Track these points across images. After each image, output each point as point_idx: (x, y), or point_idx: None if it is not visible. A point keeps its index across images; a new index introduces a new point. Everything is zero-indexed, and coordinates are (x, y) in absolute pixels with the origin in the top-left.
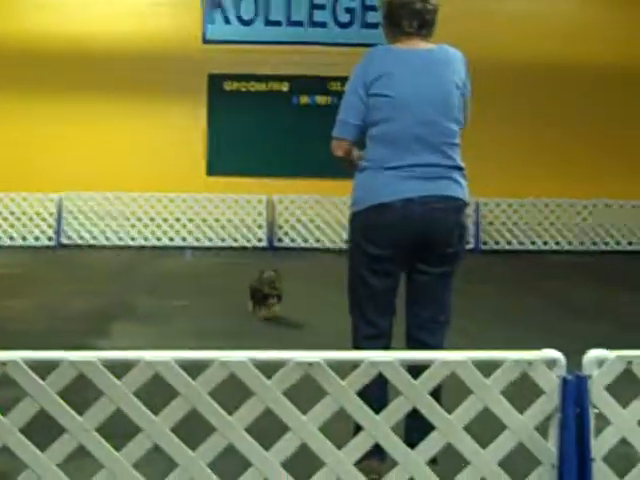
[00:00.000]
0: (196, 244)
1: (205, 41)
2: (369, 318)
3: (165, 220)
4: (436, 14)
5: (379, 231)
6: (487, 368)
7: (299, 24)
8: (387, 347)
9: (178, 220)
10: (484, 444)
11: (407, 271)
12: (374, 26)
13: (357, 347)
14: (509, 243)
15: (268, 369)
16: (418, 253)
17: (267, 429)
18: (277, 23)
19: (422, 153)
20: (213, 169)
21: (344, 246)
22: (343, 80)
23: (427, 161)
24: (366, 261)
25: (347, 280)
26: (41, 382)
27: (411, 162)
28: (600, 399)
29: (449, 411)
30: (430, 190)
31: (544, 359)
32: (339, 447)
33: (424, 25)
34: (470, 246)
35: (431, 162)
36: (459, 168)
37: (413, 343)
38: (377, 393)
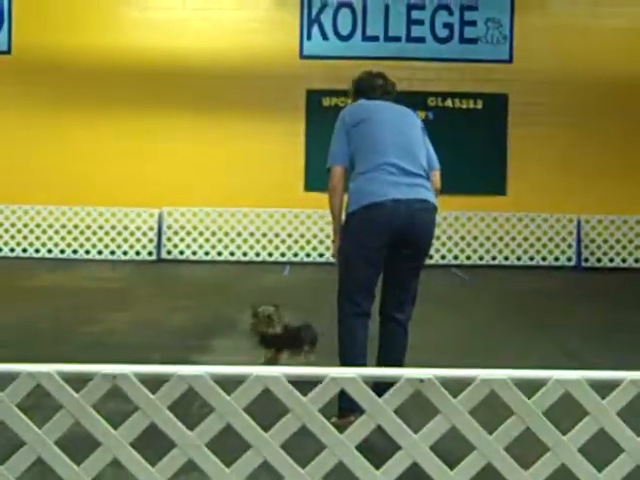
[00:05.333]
0: (294, 259)
1: (302, 56)
2: (356, 301)
3: (264, 235)
4: (395, 89)
5: (372, 223)
6: (600, 388)
7: (397, 39)
8: (367, 323)
9: (277, 235)
10: (599, 467)
11: (386, 264)
12: (472, 41)
13: (343, 324)
14: (611, 260)
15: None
16: (400, 245)
17: (379, 445)
18: (375, 38)
19: (404, 156)
20: (311, 185)
21: (444, 262)
22: (442, 95)
23: (407, 168)
24: (361, 252)
25: (339, 272)
26: (151, 395)
27: (396, 162)
28: None
29: (564, 432)
30: (412, 194)
31: None
32: (451, 467)
33: (384, 95)
34: (572, 263)
35: (410, 170)
36: (427, 177)
37: (386, 317)
38: None
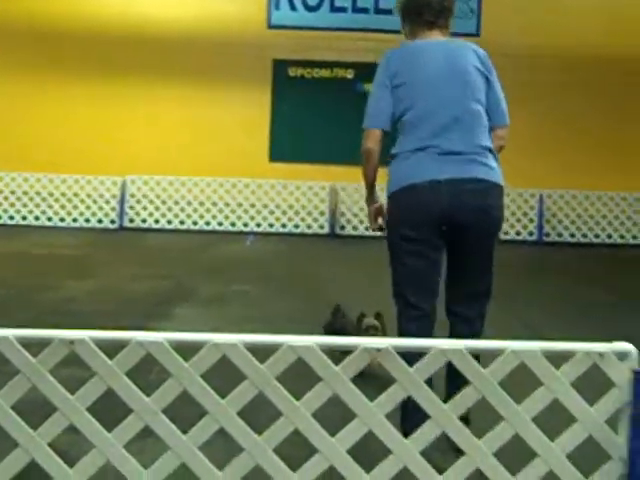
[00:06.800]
0: (257, 230)
1: (270, 26)
2: (410, 301)
3: (227, 205)
4: (453, 3)
5: (409, 211)
6: (555, 359)
7: (365, 11)
8: (431, 328)
9: (240, 205)
10: (552, 436)
11: (446, 253)
12: None
13: (401, 329)
14: (572, 235)
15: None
16: (450, 234)
17: (331, 416)
18: (343, 9)
19: (448, 134)
20: (276, 155)
21: None
22: None
23: (455, 142)
24: (401, 242)
25: (389, 264)
26: (109, 361)
27: (438, 143)
28: None
29: (517, 402)
30: (457, 172)
31: (616, 351)
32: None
33: (442, 12)
34: (533, 238)
35: (458, 144)
36: (488, 149)
37: (453, 316)
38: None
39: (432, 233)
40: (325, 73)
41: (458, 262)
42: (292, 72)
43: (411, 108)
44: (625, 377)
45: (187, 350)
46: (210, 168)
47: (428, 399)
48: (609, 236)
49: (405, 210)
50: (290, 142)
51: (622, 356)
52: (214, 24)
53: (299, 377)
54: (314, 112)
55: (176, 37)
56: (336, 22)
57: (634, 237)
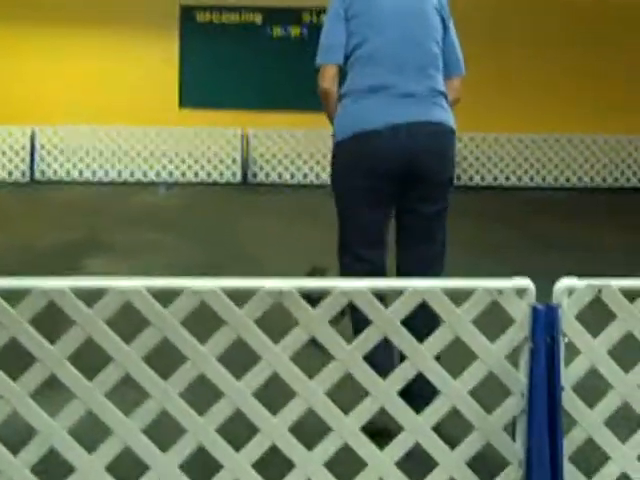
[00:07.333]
0: (169, 179)
1: None
2: (360, 254)
3: (138, 154)
4: None
5: (368, 160)
6: (458, 297)
7: None
8: (376, 272)
9: (152, 154)
10: (454, 374)
11: (398, 212)
12: None
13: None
14: (482, 179)
15: (239, 298)
16: (408, 184)
17: (239, 359)
18: None
19: (406, 74)
20: (186, 101)
21: (318, 182)
22: (317, 11)
23: (412, 84)
24: (354, 194)
25: (337, 216)
26: (12, 310)
27: (395, 83)
28: (570, 328)
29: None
30: (417, 115)
31: (514, 288)
32: (310, 376)
33: None
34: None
35: (416, 85)
36: (443, 94)
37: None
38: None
39: (390, 182)
40: (233, 18)
41: (412, 218)
42: (200, 18)
43: (365, 43)
44: (524, 313)
45: (92, 297)
46: (120, 116)
47: (332, 340)
48: (531, 179)
49: (362, 158)
50: (200, 88)
51: (520, 292)
52: None
53: (205, 321)
54: (223, 58)
55: None
56: None
57: (555, 179)
